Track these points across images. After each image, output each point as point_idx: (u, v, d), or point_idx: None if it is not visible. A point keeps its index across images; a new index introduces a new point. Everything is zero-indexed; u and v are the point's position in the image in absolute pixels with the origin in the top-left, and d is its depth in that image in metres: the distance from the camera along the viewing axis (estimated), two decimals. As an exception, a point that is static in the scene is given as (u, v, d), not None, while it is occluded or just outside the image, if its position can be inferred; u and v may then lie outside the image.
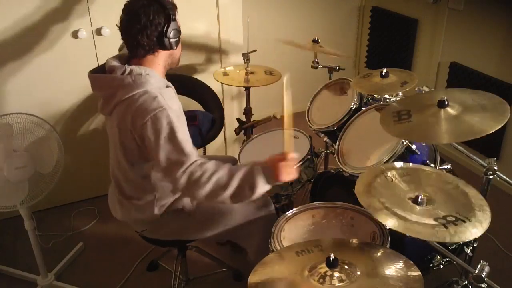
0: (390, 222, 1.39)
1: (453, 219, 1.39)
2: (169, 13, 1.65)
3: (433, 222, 1.38)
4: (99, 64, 1.86)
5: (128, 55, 1.78)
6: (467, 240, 1.34)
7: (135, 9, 1.65)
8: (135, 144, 1.68)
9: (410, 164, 1.70)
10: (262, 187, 1.58)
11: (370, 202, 1.47)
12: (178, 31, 1.70)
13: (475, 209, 1.42)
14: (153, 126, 1.60)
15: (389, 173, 1.62)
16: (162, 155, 1.60)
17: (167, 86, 1.76)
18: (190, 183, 1.58)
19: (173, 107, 1.67)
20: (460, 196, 1.51)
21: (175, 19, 1.68)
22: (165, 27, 1.66)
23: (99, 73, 1.76)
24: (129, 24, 1.67)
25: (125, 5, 1.69)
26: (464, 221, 1.37)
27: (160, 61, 1.74)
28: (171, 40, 1.69)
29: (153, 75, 1.70)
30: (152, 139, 1.60)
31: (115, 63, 1.72)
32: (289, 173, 1.62)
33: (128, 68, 1.68)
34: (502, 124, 1.53)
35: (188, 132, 1.69)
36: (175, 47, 1.72)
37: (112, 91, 1.69)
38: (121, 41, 1.83)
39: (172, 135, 1.60)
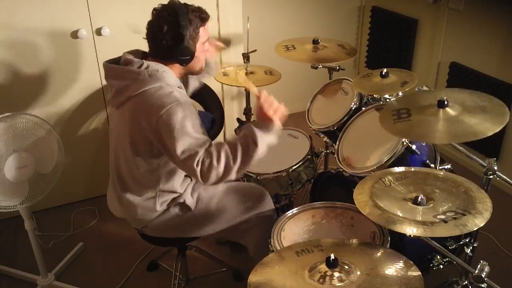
0: (392, 226, 1.39)
1: (453, 213, 1.39)
2: (180, 33, 1.66)
3: (432, 220, 1.39)
4: (99, 64, 1.86)
5: (144, 52, 1.80)
6: (468, 231, 1.35)
7: (156, 18, 1.69)
8: (147, 139, 1.69)
9: (403, 168, 1.70)
10: (265, 137, 1.65)
11: (371, 210, 1.48)
12: (189, 51, 1.70)
13: (475, 202, 1.43)
14: (168, 120, 1.61)
15: (386, 179, 1.62)
16: (178, 148, 1.62)
17: (179, 87, 1.78)
18: (205, 170, 1.62)
19: (188, 101, 1.70)
20: (459, 191, 1.51)
21: (188, 40, 1.67)
22: (174, 45, 1.67)
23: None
24: (148, 28, 1.71)
25: (153, 9, 1.72)
26: (464, 214, 1.38)
27: (175, 68, 1.76)
28: (180, 57, 1.70)
29: (169, 73, 1.72)
30: (167, 132, 1.62)
31: (132, 57, 1.73)
32: (274, 109, 1.68)
33: (146, 63, 1.69)
34: (501, 128, 1.53)
35: (201, 124, 1.72)
36: (184, 64, 1.73)
37: (126, 83, 1.70)
38: (120, 41, 1.83)
39: (187, 128, 1.63)
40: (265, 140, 1.65)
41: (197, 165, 1.61)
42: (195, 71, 1.82)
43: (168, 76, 1.71)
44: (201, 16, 1.72)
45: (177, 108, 1.62)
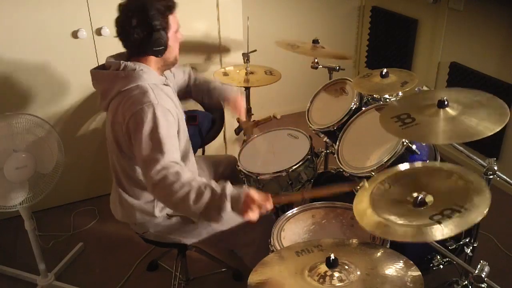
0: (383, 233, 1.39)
1: (449, 211, 1.37)
2: (150, 24, 1.64)
3: (428, 221, 1.37)
4: (99, 64, 1.87)
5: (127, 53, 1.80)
6: (463, 230, 1.33)
7: (123, 13, 1.68)
8: (126, 138, 1.69)
9: (402, 167, 1.68)
10: (228, 214, 1.55)
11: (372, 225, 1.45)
12: (162, 41, 1.68)
13: (472, 195, 1.39)
14: (137, 120, 1.61)
15: (385, 182, 1.60)
16: (141, 149, 1.60)
17: (165, 84, 1.77)
18: (162, 186, 1.56)
19: (165, 105, 1.67)
20: (458, 183, 1.47)
21: (159, 30, 1.66)
22: (146, 37, 1.66)
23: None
24: (118, 25, 1.70)
25: (119, 4, 1.70)
26: (460, 211, 1.35)
27: (151, 62, 1.75)
28: (154, 48, 1.69)
29: (147, 71, 1.71)
30: (134, 132, 1.62)
31: (113, 60, 1.75)
32: (253, 214, 1.56)
33: (123, 63, 1.70)
34: (502, 126, 1.52)
35: (175, 133, 1.69)
36: (159, 55, 1.72)
37: (107, 85, 1.71)
38: (120, 42, 1.83)
39: (153, 131, 1.60)
40: (224, 220, 1.57)
41: (157, 173, 1.55)
42: (170, 61, 1.80)
43: (146, 75, 1.69)
44: (168, 4, 1.70)
45: (147, 109, 1.61)
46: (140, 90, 1.66)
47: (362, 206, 1.51)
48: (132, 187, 1.83)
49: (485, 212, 1.32)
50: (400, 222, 1.40)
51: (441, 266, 2.02)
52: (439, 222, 1.34)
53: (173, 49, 1.77)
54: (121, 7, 1.69)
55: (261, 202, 1.56)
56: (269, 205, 1.57)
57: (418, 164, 1.68)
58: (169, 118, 1.67)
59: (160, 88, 1.73)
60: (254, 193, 1.56)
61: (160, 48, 1.70)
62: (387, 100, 2.16)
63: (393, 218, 1.42)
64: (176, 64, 1.85)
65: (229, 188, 1.57)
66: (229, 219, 1.60)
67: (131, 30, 1.65)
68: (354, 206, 1.53)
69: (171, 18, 1.71)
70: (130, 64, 1.70)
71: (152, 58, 1.74)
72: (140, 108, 1.61)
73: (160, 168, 1.56)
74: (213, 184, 1.58)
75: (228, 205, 1.54)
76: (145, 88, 1.67)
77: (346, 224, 1.82)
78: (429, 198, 1.47)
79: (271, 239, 1.72)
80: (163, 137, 1.61)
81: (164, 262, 2.48)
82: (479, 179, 1.47)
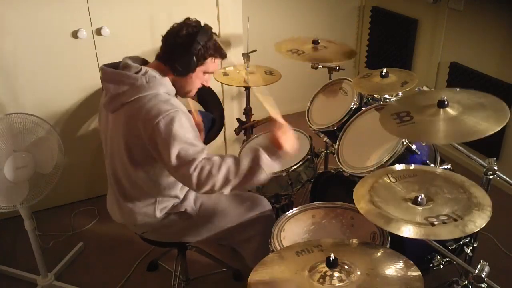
0: (376, 220, 1.41)
1: (445, 217, 1.38)
2: (190, 44, 1.67)
3: (422, 221, 1.38)
4: (99, 65, 1.86)
5: (143, 59, 1.80)
6: (452, 238, 1.35)
7: (183, 23, 1.73)
8: (143, 145, 1.67)
9: (413, 165, 1.69)
10: (271, 165, 1.65)
11: (364, 204, 1.48)
12: (187, 65, 1.70)
13: (473, 208, 1.42)
14: (165, 126, 1.60)
15: (392, 175, 1.61)
16: (173, 154, 1.60)
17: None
18: (203, 177, 1.60)
19: (185, 110, 1.69)
20: (463, 196, 1.49)
21: (192, 54, 1.68)
22: (180, 52, 1.68)
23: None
24: (172, 27, 1.73)
25: (187, 18, 1.77)
26: (456, 220, 1.37)
27: (168, 78, 1.74)
28: (177, 65, 1.69)
29: (166, 81, 1.71)
30: (162, 138, 1.60)
31: (131, 62, 1.72)
32: (288, 140, 1.68)
33: (144, 68, 1.68)
34: (503, 125, 1.52)
35: (198, 133, 1.71)
36: (175, 74, 1.72)
37: (122, 88, 1.68)
38: (120, 41, 1.83)
39: (184, 135, 1.61)
40: (270, 168, 1.65)
41: (194, 170, 1.59)
42: (182, 92, 1.79)
43: (166, 83, 1.70)
44: (218, 49, 1.76)
45: (174, 115, 1.61)
46: (161, 97, 1.65)
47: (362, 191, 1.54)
48: (134, 192, 1.82)
49: (481, 225, 1.34)
50: (391, 211, 1.42)
51: (441, 266, 2.02)
52: (432, 225, 1.35)
53: (191, 83, 1.77)
54: (186, 19, 1.74)
55: (283, 131, 1.69)
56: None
57: (429, 168, 1.69)
58: (192, 121, 1.71)
59: (174, 99, 1.73)
60: (275, 132, 1.69)
61: (181, 69, 1.70)
62: (387, 100, 2.17)
63: (384, 205, 1.46)
64: (183, 98, 1.84)
65: (256, 142, 1.68)
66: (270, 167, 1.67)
67: (174, 34, 1.69)
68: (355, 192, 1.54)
69: (211, 60, 1.75)
70: (151, 70, 1.68)
71: (170, 76, 1.73)
72: (167, 115, 1.60)
73: (195, 165, 1.60)
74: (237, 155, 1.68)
75: (266, 158, 1.63)
76: (166, 97, 1.67)
77: (346, 224, 1.82)
78: (430, 201, 1.48)
79: (271, 239, 1.73)
80: (193, 138, 1.64)
81: (164, 262, 2.48)
82: (485, 196, 1.49)
